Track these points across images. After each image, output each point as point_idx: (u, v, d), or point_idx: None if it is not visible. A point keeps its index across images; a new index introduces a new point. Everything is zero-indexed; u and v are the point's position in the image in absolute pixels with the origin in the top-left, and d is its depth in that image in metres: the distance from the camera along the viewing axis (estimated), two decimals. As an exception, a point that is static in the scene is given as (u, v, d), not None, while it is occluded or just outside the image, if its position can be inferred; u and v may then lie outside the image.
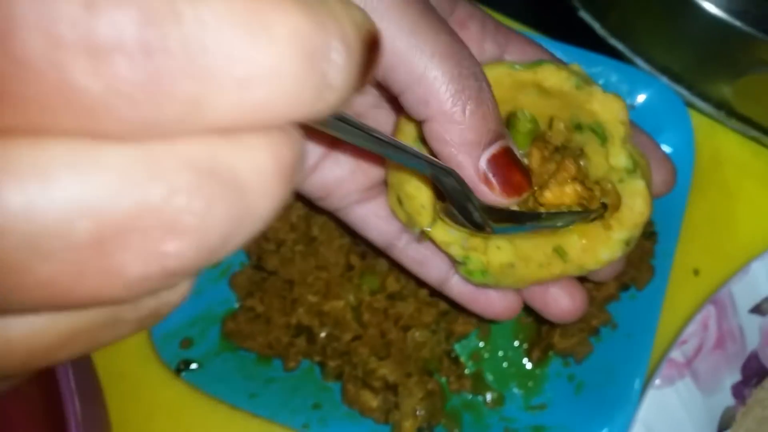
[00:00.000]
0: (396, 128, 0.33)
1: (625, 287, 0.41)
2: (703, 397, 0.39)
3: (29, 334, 0.13)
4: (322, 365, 0.41)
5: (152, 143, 0.12)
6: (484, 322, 0.42)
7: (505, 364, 0.42)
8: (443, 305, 0.41)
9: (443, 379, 0.41)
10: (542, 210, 0.31)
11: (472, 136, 0.28)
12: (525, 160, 0.32)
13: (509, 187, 0.29)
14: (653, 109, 0.43)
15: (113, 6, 0.11)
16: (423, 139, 0.31)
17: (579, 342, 0.40)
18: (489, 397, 0.41)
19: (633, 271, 0.41)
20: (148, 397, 0.42)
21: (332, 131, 0.19)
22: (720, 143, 0.46)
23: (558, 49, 0.39)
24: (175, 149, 0.12)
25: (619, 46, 0.45)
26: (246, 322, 0.41)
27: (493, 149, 0.29)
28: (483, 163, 0.29)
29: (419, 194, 0.32)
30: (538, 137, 0.33)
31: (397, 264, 0.41)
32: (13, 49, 0.10)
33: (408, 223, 0.34)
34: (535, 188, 0.32)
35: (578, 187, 0.31)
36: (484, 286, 0.35)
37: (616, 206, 0.32)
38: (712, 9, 0.39)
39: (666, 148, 0.43)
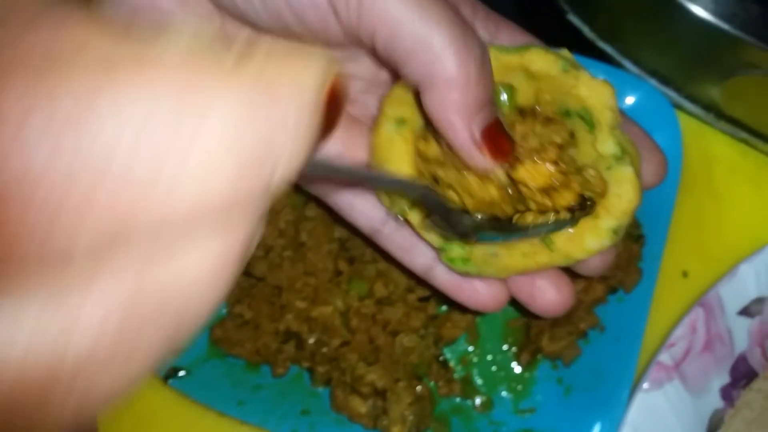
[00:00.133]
0: (389, 95, 0.33)
1: (612, 290, 0.41)
2: (692, 400, 0.39)
3: None
4: (310, 371, 0.41)
5: (70, 288, 0.12)
6: (472, 326, 0.42)
7: (494, 368, 0.42)
8: (432, 310, 0.41)
9: (432, 384, 0.41)
10: (528, 215, 0.31)
11: (472, 101, 0.29)
12: None
13: (497, 153, 0.30)
14: (641, 111, 0.43)
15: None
16: (417, 105, 0.31)
17: (567, 345, 0.41)
18: (478, 401, 0.41)
19: (621, 274, 0.41)
20: (137, 404, 0.42)
21: (309, 173, 0.19)
22: (709, 145, 0.46)
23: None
24: (92, 295, 0.12)
25: (608, 49, 0.44)
26: (234, 329, 0.41)
27: (487, 115, 0.30)
28: (476, 128, 0.30)
29: (399, 174, 0.32)
30: (526, 112, 0.33)
31: (385, 270, 0.41)
32: None
33: (390, 207, 0.34)
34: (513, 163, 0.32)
35: (553, 169, 0.31)
36: (467, 274, 0.34)
37: (602, 194, 0.32)
38: (700, 12, 0.38)
39: (654, 151, 0.43)
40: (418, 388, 0.40)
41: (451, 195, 0.32)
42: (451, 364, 0.42)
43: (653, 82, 0.44)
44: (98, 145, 0.11)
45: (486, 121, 0.30)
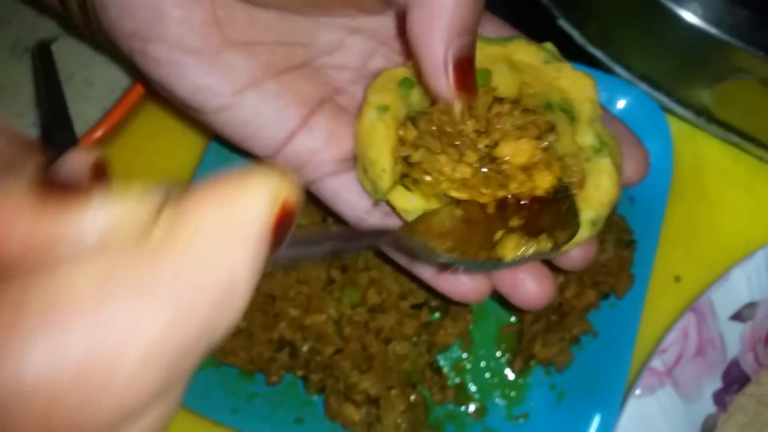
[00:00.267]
0: (373, 84, 0.34)
1: (605, 296, 0.41)
2: (684, 405, 0.39)
3: None
4: (304, 379, 0.41)
5: None
6: (465, 332, 0.42)
7: (487, 375, 0.42)
8: (425, 317, 0.41)
9: (426, 391, 0.41)
10: (507, 244, 0.31)
11: (456, 24, 0.29)
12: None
13: (462, 85, 0.31)
14: (632, 116, 0.43)
15: None
16: (405, 83, 0.32)
17: (560, 351, 0.41)
18: (472, 407, 0.42)
19: (612, 280, 0.41)
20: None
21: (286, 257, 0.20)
22: (700, 149, 0.46)
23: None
24: None
25: (599, 54, 0.45)
26: (228, 338, 0.41)
27: (463, 41, 0.30)
28: (451, 53, 0.30)
29: (380, 158, 0.32)
30: (507, 101, 0.33)
31: (378, 278, 0.41)
32: None
33: (372, 192, 0.34)
34: (489, 142, 0.32)
35: (535, 146, 0.31)
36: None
37: (580, 183, 0.32)
38: (689, 17, 0.39)
39: (646, 156, 0.43)
40: (412, 395, 0.40)
41: (426, 179, 0.32)
42: (445, 371, 0.42)
43: (644, 86, 0.44)
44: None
45: (462, 49, 0.30)
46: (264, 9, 0.34)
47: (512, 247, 0.30)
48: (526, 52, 0.32)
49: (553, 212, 0.31)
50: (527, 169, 0.31)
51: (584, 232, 0.32)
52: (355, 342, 0.40)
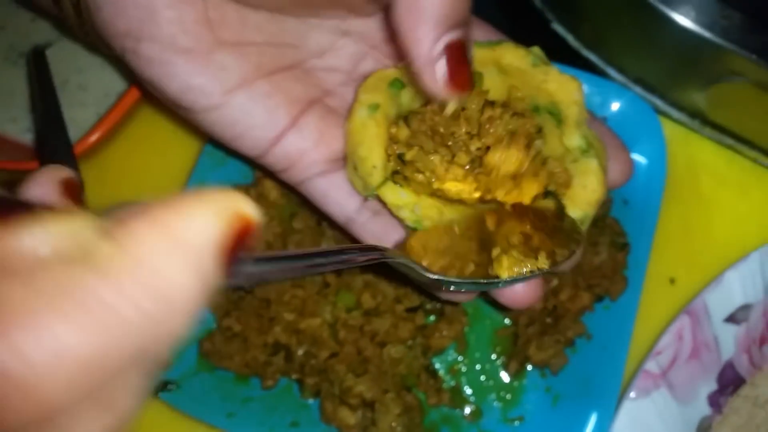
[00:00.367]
0: (364, 83, 0.34)
1: (599, 298, 0.42)
2: (679, 407, 0.39)
3: None
4: (300, 383, 0.41)
5: None
6: (461, 335, 0.42)
7: (482, 378, 0.42)
8: (420, 320, 0.41)
9: (421, 394, 0.41)
10: (503, 263, 0.31)
11: (440, 12, 0.28)
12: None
13: (454, 82, 0.29)
14: (626, 119, 0.43)
15: None
16: (396, 83, 0.32)
17: (555, 354, 0.41)
18: (467, 410, 0.42)
19: (606, 282, 0.41)
20: (127, 418, 0.42)
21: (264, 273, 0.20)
22: (695, 152, 0.46)
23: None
24: None
25: (593, 57, 0.45)
26: (223, 342, 0.41)
27: (455, 34, 0.29)
28: (440, 46, 0.29)
29: (371, 155, 0.32)
30: (497, 104, 0.33)
31: (373, 282, 0.41)
32: None
33: (363, 190, 0.34)
34: (481, 145, 0.32)
35: (524, 156, 0.31)
36: None
37: (566, 184, 0.32)
38: (682, 21, 0.39)
39: (640, 159, 0.43)
40: (407, 398, 0.40)
41: (419, 177, 0.32)
42: (440, 374, 0.42)
43: (638, 89, 0.44)
44: None
45: (453, 43, 0.29)
46: (255, 10, 0.34)
47: (509, 266, 0.31)
48: (514, 56, 0.32)
49: (553, 229, 0.31)
50: (515, 177, 0.31)
51: None
52: (350, 346, 0.40)
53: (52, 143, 0.41)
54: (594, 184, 0.32)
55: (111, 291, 0.14)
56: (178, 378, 0.41)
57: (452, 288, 0.31)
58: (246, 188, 0.43)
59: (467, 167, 0.31)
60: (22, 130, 0.45)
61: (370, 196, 0.34)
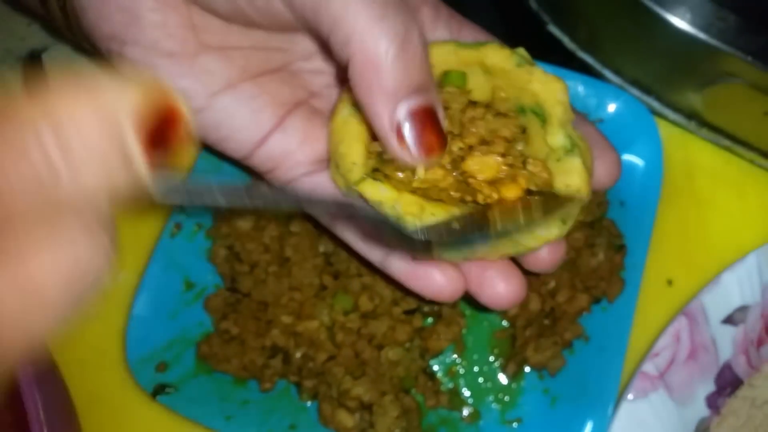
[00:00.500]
0: (338, 99, 0.34)
1: (596, 300, 0.42)
2: (677, 409, 0.39)
3: None
4: (298, 385, 0.41)
5: None
6: (459, 337, 0.42)
7: (480, 380, 0.42)
8: (417, 322, 0.41)
9: (420, 396, 0.41)
10: (494, 211, 0.31)
11: (392, 83, 0.28)
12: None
13: (422, 147, 0.29)
14: (622, 121, 0.43)
15: None
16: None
17: (552, 355, 0.41)
18: (465, 412, 0.42)
19: (604, 284, 0.41)
20: (125, 421, 0.42)
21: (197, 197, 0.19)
22: (691, 153, 0.46)
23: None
24: None
25: (589, 59, 0.45)
26: (221, 345, 0.41)
27: (414, 102, 0.28)
28: (401, 114, 0.28)
29: (351, 152, 0.32)
30: (479, 104, 0.33)
31: (370, 284, 0.41)
32: None
33: (345, 189, 0.34)
34: (463, 145, 0.31)
35: (501, 161, 0.31)
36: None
37: (547, 184, 0.32)
38: (678, 23, 0.39)
39: (636, 160, 0.43)
40: (405, 400, 0.40)
41: (398, 175, 0.32)
42: (438, 376, 0.42)
43: (634, 91, 0.45)
44: None
45: (415, 109, 0.28)
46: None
47: (497, 215, 0.30)
48: (499, 56, 0.32)
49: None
50: (493, 183, 0.31)
51: (554, 229, 0.32)
52: (347, 348, 0.40)
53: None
54: (577, 184, 0.31)
55: (27, 137, 0.15)
56: (176, 381, 0.41)
57: (433, 246, 0.30)
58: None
59: (448, 167, 0.31)
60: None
61: (352, 193, 0.34)
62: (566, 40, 0.45)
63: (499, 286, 0.34)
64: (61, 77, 0.16)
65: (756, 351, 0.41)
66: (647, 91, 0.45)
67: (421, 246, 0.30)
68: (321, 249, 0.42)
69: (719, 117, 0.44)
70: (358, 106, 0.32)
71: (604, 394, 0.39)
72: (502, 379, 0.42)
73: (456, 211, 0.32)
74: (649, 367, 0.39)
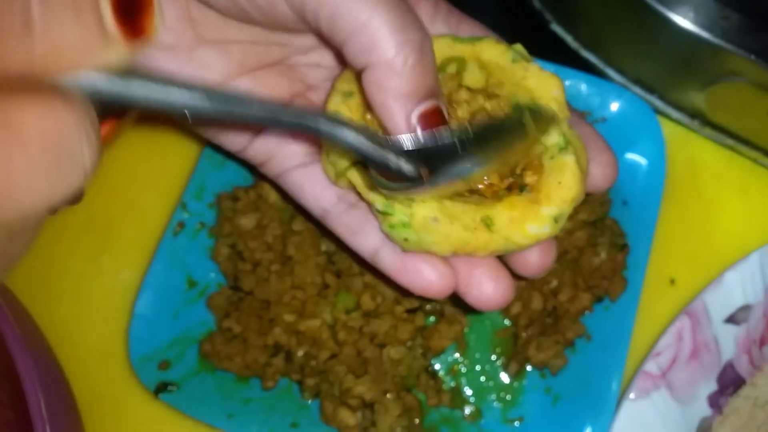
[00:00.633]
0: (341, 74, 0.34)
1: (598, 299, 0.42)
2: (679, 408, 0.39)
3: None
4: (300, 384, 0.41)
5: None
6: (460, 336, 0.42)
7: (482, 378, 0.42)
8: (419, 321, 0.41)
9: (421, 395, 0.41)
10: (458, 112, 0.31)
11: (410, 87, 0.29)
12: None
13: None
14: (625, 120, 0.43)
15: None
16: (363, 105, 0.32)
17: (554, 354, 0.41)
18: (467, 411, 0.42)
19: (606, 283, 0.41)
20: (127, 419, 0.42)
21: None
22: (694, 152, 0.46)
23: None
24: None
25: (592, 58, 0.45)
26: (223, 343, 0.41)
27: (426, 105, 0.30)
28: (414, 117, 0.29)
29: None
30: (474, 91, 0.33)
31: (372, 283, 0.41)
32: None
33: (335, 177, 0.34)
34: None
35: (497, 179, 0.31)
36: (407, 245, 0.33)
37: (539, 170, 0.32)
38: (681, 22, 0.39)
39: (639, 159, 0.43)
40: (407, 399, 0.40)
41: None
42: (440, 374, 0.42)
43: (637, 90, 0.44)
44: None
45: (426, 113, 0.29)
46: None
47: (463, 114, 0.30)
48: (495, 51, 0.32)
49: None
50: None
51: (546, 227, 0.32)
52: (349, 347, 0.40)
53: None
54: (570, 181, 0.31)
55: None
56: (179, 379, 0.41)
57: (440, 178, 0.29)
58: (246, 190, 0.43)
59: None
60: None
61: (342, 181, 0.34)
62: (569, 39, 0.45)
63: (487, 287, 0.33)
64: None
65: (758, 350, 0.41)
66: (650, 90, 0.44)
67: (405, 168, 0.29)
68: (323, 248, 0.42)
69: (722, 116, 0.43)
70: (350, 95, 0.32)
71: (605, 393, 0.39)
72: (504, 378, 0.42)
73: (447, 202, 0.32)
74: (651, 366, 0.39)
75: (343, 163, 0.32)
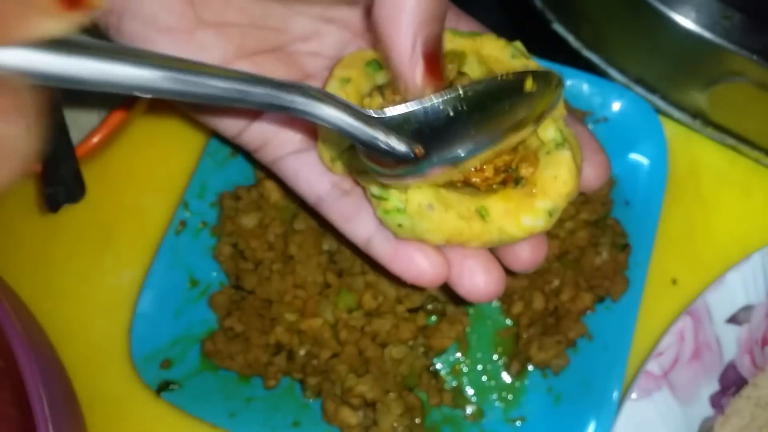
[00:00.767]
0: (339, 61, 0.34)
1: (600, 299, 0.42)
2: (681, 408, 0.39)
3: None
4: (301, 383, 0.41)
5: None
6: (462, 336, 0.42)
7: (484, 378, 0.42)
8: (421, 320, 0.41)
9: (423, 394, 0.41)
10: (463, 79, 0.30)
11: (423, 11, 0.29)
12: None
13: (431, 73, 0.30)
14: (627, 120, 0.43)
15: None
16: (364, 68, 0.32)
17: (556, 354, 0.41)
18: (469, 410, 0.42)
19: (608, 283, 0.41)
20: (130, 418, 0.42)
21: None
22: (696, 152, 0.46)
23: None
24: None
25: (593, 57, 0.45)
26: (225, 342, 0.41)
27: (433, 31, 0.29)
28: (420, 41, 0.29)
29: None
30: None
31: (374, 282, 0.41)
32: None
33: (328, 160, 0.34)
34: None
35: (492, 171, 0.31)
36: (401, 231, 0.33)
37: (533, 163, 0.32)
38: (683, 22, 0.39)
39: (641, 159, 0.43)
40: (409, 398, 0.40)
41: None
42: (442, 374, 0.42)
43: (639, 89, 0.44)
44: None
45: (430, 37, 0.29)
46: None
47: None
48: (494, 47, 0.33)
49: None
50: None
51: (540, 220, 0.32)
52: (351, 346, 0.40)
53: (54, 145, 0.41)
54: (565, 176, 0.31)
55: None
56: (181, 378, 0.41)
57: (435, 160, 0.28)
58: (247, 189, 0.43)
59: None
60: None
61: (337, 167, 0.33)
62: (571, 39, 0.45)
63: (479, 278, 0.33)
64: None
65: (760, 351, 0.41)
66: (652, 89, 0.44)
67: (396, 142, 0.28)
68: (325, 247, 0.42)
69: (724, 116, 0.43)
70: (347, 82, 0.32)
71: (607, 393, 0.39)
72: (506, 377, 0.42)
73: (443, 190, 0.32)
74: (653, 366, 0.39)
75: (338, 147, 0.32)
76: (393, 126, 0.27)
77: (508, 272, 0.34)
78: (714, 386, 0.40)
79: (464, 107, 0.28)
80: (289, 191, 0.43)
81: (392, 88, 0.32)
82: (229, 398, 0.41)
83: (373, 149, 0.27)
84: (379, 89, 0.33)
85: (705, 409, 0.40)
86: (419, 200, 0.31)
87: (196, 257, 0.43)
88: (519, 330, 0.42)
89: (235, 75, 0.24)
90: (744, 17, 0.38)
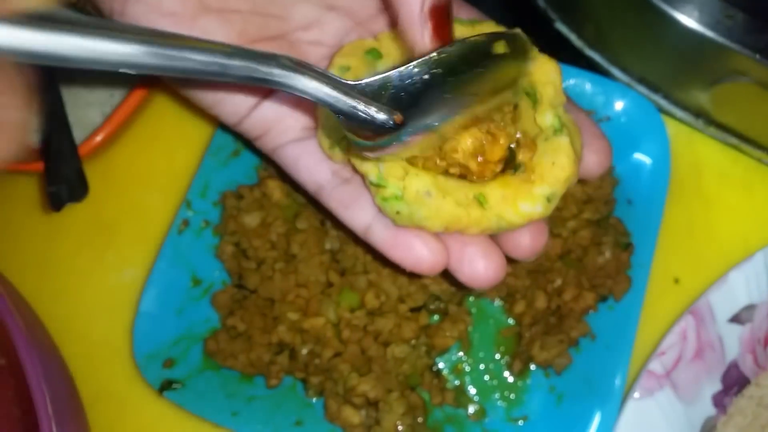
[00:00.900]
0: (339, 50, 0.34)
1: (603, 298, 0.42)
2: (684, 408, 0.39)
3: None
4: (304, 382, 0.41)
5: None
6: (465, 335, 0.42)
7: (486, 377, 0.42)
8: (423, 320, 0.41)
9: (425, 393, 0.41)
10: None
11: None
12: None
13: (438, 35, 0.30)
14: (629, 119, 0.43)
15: None
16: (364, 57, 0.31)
17: (558, 353, 0.41)
18: (471, 409, 0.42)
19: (610, 282, 0.41)
20: (132, 416, 0.42)
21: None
22: (699, 151, 0.46)
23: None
24: None
25: (596, 56, 0.45)
26: (227, 341, 0.41)
27: None
28: (427, 4, 0.29)
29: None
30: None
31: (376, 281, 0.41)
32: None
33: (329, 151, 0.34)
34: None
35: (479, 133, 0.31)
36: (399, 218, 0.33)
37: (531, 148, 0.32)
38: (686, 21, 0.39)
39: (644, 158, 0.43)
40: (411, 397, 0.40)
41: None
42: (444, 373, 0.42)
43: (642, 89, 0.44)
44: None
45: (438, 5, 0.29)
46: None
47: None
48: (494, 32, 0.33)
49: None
50: (476, 153, 0.31)
51: (538, 206, 0.32)
52: (354, 345, 0.41)
53: (57, 144, 0.41)
54: (564, 162, 0.31)
55: None
56: (183, 377, 0.41)
57: (417, 125, 0.28)
58: (250, 188, 0.44)
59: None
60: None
61: (336, 155, 0.33)
62: (573, 38, 0.45)
63: (479, 264, 0.33)
64: None
65: (763, 350, 0.41)
66: (655, 89, 0.44)
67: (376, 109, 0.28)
68: (327, 246, 0.42)
69: (727, 115, 0.43)
70: (347, 70, 0.32)
71: (610, 392, 0.39)
72: (508, 376, 0.42)
73: (441, 178, 0.32)
74: (655, 365, 0.39)
75: (336, 134, 0.32)
76: (371, 94, 0.28)
77: (510, 268, 0.34)
78: (716, 385, 0.40)
79: (438, 70, 0.28)
80: (291, 190, 0.43)
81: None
82: (232, 397, 0.41)
83: (353, 120, 0.28)
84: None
85: (707, 409, 0.40)
86: (417, 187, 0.31)
87: (198, 256, 0.43)
88: (521, 329, 0.42)
89: (216, 47, 0.24)
90: (747, 16, 0.38)
